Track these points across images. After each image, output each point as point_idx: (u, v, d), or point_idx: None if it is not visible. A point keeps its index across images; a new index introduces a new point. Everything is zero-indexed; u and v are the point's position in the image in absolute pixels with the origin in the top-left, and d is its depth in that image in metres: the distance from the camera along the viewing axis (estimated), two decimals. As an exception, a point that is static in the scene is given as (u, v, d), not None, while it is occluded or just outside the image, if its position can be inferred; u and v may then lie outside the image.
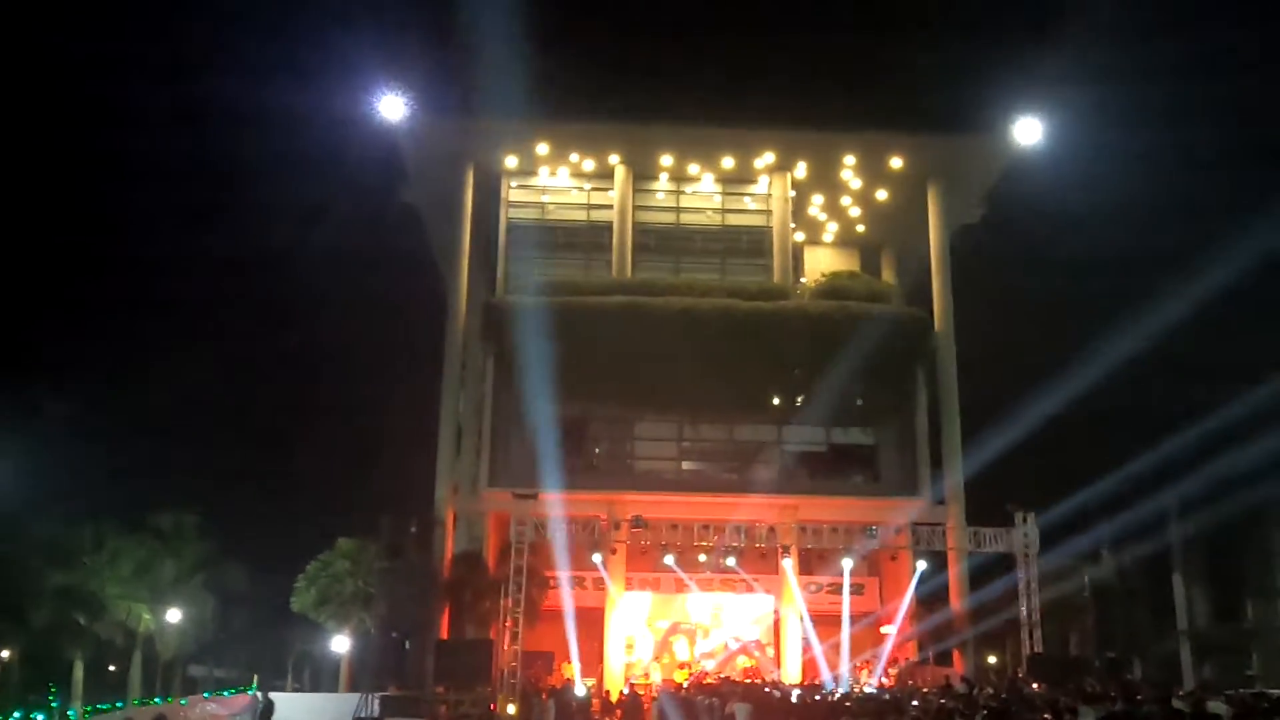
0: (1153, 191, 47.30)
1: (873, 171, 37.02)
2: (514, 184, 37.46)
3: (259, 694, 27.61)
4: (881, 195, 38.03)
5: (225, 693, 35.01)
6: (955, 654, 33.01)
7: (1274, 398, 34.82)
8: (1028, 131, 34.91)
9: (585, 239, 37.39)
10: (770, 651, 34.35)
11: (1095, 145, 43.73)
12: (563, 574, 31.58)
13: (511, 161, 36.68)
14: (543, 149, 36.12)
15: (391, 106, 33.76)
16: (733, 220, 37.97)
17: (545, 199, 37.71)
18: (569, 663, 32.92)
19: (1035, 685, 26.91)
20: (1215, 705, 16.98)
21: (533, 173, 37.22)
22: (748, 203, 38.04)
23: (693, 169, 37.20)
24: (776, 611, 34.45)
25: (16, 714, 30.54)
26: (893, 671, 32.35)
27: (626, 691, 29.75)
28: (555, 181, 37.47)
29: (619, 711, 27.95)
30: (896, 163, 36.35)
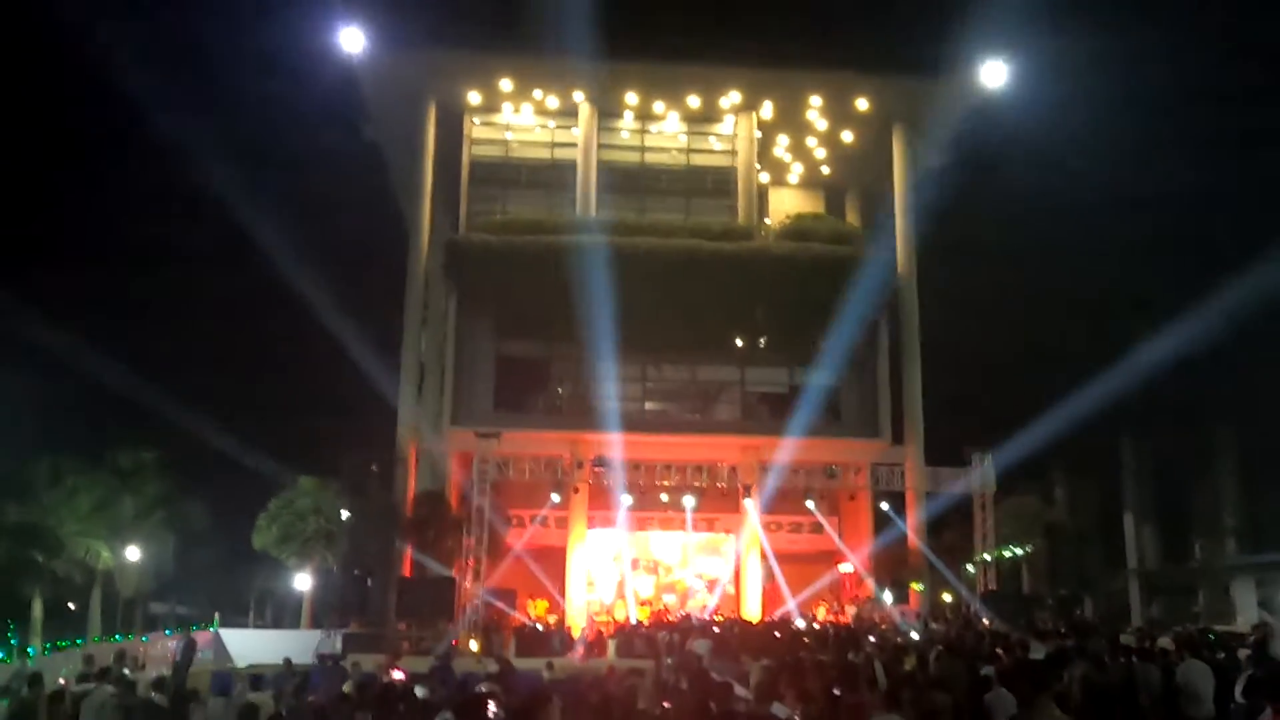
0: (1117, 136, 47.57)
1: (839, 113, 36.87)
2: (477, 120, 36.98)
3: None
4: (847, 137, 37.93)
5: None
6: (911, 591, 33.59)
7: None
8: (994, 75, 34.86)
9: (549, 177, 37.07)
10: (731, 589, 34.81)
11: (1061, 90, 43.79)
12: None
13: (474, 97, 36.14)
14: (506, 85, 35.60)
15: (351, 39, 33.07)
16: (698, 160, 37.77)
17: (509, 136, 37.29)
18: (533, 600, 33.29)
19: (988, 622, 27.49)
20: (1161, 641, 17.44)
21: (496, 109, 36.73)
22: (713, 143, 37.83)
23: (658, 107, 36.86)
24: (737, 550, 34.88)
25: (-25, 651, 30.45)
26: (850, 609, 32.90)
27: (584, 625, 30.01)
28: (519, 119, 37.02)
29: (582, 649, 28.29)
30: (862, 104, 36.22)
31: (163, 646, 29.55)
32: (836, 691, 11.03)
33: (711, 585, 35.36)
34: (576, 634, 29.78)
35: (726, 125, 37.46)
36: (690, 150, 37.77)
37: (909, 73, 35.73)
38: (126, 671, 17.78)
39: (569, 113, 36.60)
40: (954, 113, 36.46)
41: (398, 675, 16.19)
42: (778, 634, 24.62)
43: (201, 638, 31.44)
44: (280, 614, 60.09)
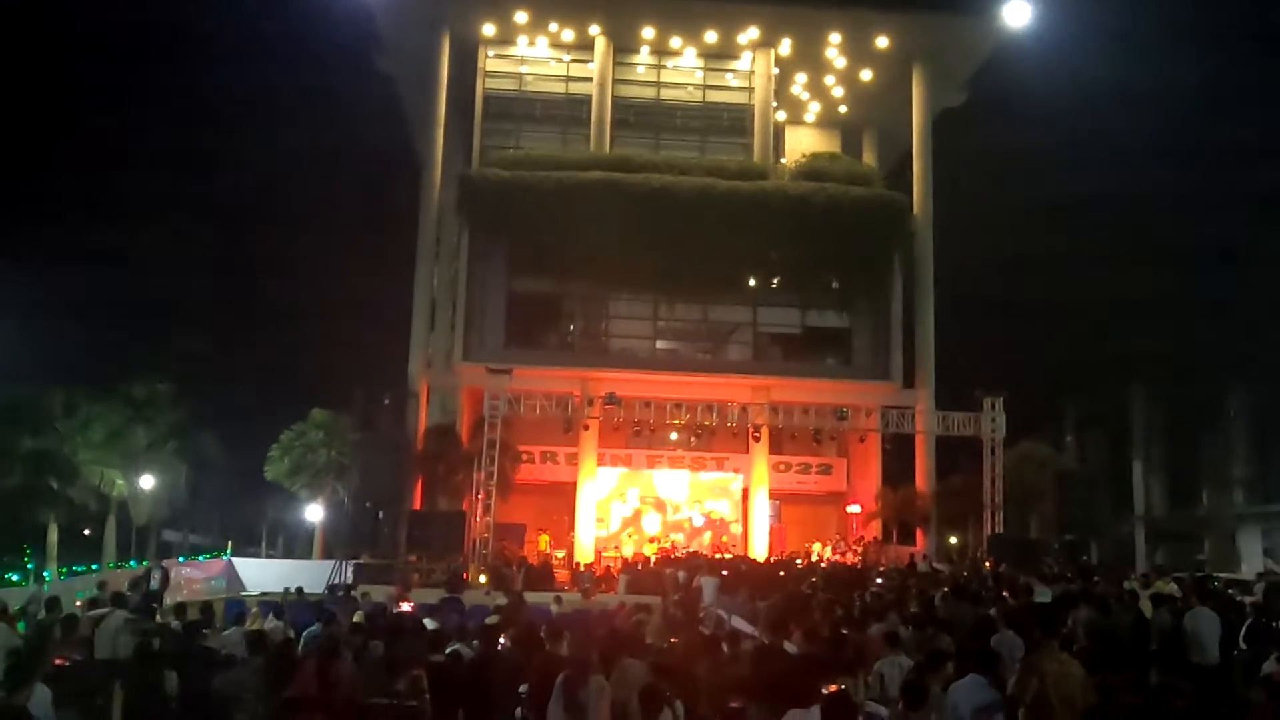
0: (1141, 76, 46.82)
1: (858, 51, 36.33)
2: (491, 53, 36.57)
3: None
4: (866, 76, 37.42)
5: (200, 558, 35.47)
6: (919, 534, 33.77)
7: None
8: (1017, 14, 34.23)
9: (563, 112, 36.72)
10: (738, 528, 35.01)
11: (1085, 28, 43.05)
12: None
13: (489, 29, 35.71)
14: (521, 17, 35.13)
15: (365, -32, 32.59)
16: (714, 97, 37.34)
17: (523, 70, 36.88)
18: (543, 534, 33.54)
19: (989, 565, 27.60)
20: (1166, 585, 17.51)
21: (511, 42, 36.29)
22: (730, 79, 37.36)
23: (675, 42, 36.37)
24: (745, 489, 35.02)
25: (-8, 574, 30.80)
26: (858, 549, 33.09)
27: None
28: (534, 52, 36.59)
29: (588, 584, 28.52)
30: (882, 42, 35.67)
31: (177, 574, 29.91)
32: (844, 631, 11.13)
33: (719, 524, 35.52)
34: (584, 569, 30.04)
35: (744, 62, 36.98)
36: (706, 87, 37.33)
37: (930, 10, 35.14)
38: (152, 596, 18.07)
39: (584, 46, 36.17)
40: (975, 52, 35.93)
41: (406, 607, 16.39)
42: (783, 573, 24.76)
43: (216, 565, 31.96)
44: (292, 544, 60.81)
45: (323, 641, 10.90)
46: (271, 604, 17.98)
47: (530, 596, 18.74)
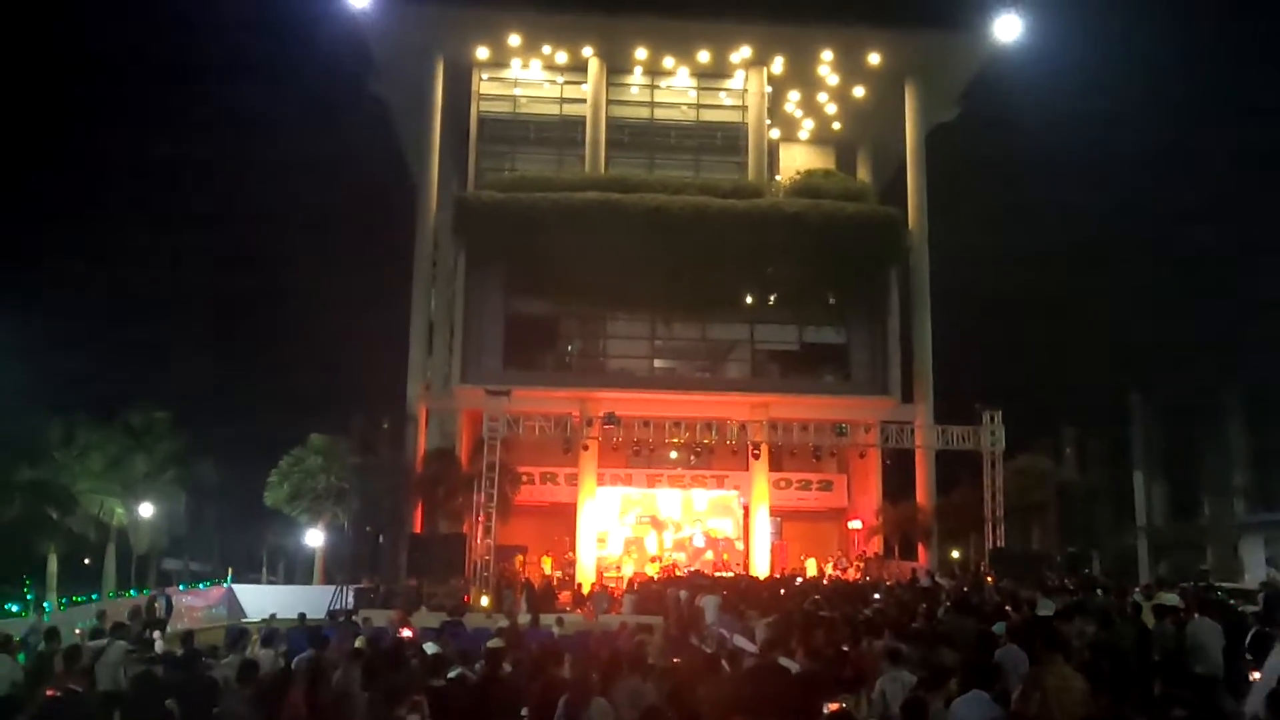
0: (1129, 89, 47.05)
1: (850, 68, 36.48)
2: (485, 76, 36.70)
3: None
4: (859, 92, 37.56)
5: (201, 585, 35.36)
6: (920, 548, 33.69)
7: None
8: (1007, 28, 34.42)
9: (558, 134, 36.82)
10: (739, 546, 34.92)
11: (1073, 42, 43.29)
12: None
13: (482, 53, 35.84)
14: (514, 40, 35.28)
15: (358, -6, 32.73)
16: (707, 116, 37.46)
17: (517, 92, 37.02)
18: (545, 556, 33.46)
19: (991, 579, 27.50)
20: (1169, 597, 17.43)
21: (504, 65, 36.44)
22: (723, 98, 37.50)
23: (668, 62, 36.50)
24: (746, 507, 34.95)
25: (-9, 605, 30.68)
26: (860, 565, 33.02)
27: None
28: (527, 74, 36.74)
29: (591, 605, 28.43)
30: (874, 59, 35.82)
31: (177, 602, 29.83)
32: (845, 647, 11.08)
33: (721, 543, 35.42)
34: (586, 590, 29.95)
35: (737, 80, 37.12)
36: (700, 106, 37.46)
37: (922, 26, 35.30)
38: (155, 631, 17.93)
39: (578, 68, 36.31)
40: (967, 67, 36.09)
41: (407, 632, 16.31)
42: (784, 591, 24.66)
43: (216, 593, 31.88)
44: (292, 570, 60.68)
45: (308, 667, 10.86)
46: (272, 631, 17.87)
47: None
